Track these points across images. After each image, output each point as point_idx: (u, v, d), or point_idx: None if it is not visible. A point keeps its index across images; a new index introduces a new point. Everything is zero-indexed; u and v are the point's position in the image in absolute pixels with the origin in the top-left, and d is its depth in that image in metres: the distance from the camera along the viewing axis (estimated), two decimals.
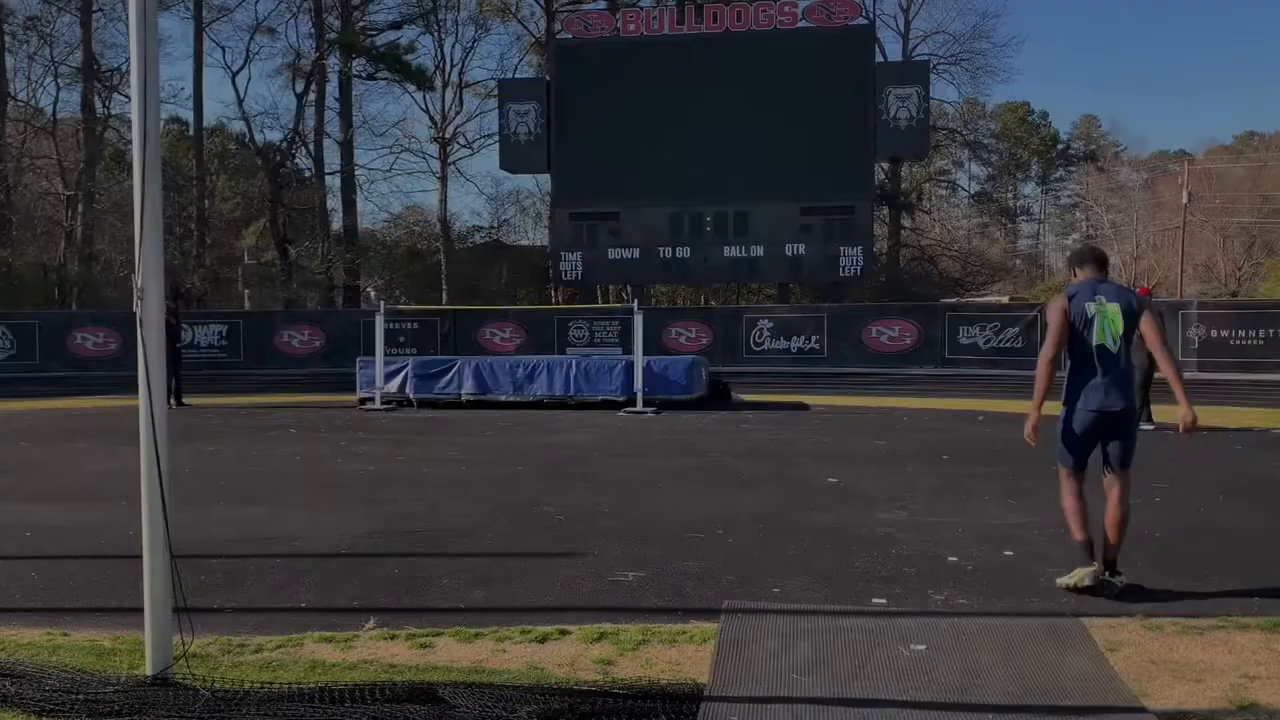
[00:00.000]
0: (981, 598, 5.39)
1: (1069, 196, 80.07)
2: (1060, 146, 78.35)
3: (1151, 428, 13.16)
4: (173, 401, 16.86)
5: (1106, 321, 5.34)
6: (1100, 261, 5.65)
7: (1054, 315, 5.46)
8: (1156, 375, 13.50)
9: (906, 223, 49.28)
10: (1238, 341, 23.96)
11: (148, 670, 4.17)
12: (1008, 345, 25.86)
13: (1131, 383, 5.50)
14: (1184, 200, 48.11)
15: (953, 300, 40.04)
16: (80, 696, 3.91)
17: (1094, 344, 5.35)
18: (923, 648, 4.53)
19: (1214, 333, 24.14)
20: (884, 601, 5.34)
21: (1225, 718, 3.80)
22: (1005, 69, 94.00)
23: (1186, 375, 21.70)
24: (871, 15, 30.40)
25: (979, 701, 3.93)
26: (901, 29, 48.77)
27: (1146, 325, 5.43)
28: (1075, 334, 5.40)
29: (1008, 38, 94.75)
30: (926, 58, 44.63)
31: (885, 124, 29.29)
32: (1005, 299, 39.11)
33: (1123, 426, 5.50)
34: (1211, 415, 14.93)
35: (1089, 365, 5.39)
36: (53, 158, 39.95)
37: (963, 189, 70.64)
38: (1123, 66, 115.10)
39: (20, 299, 34.70)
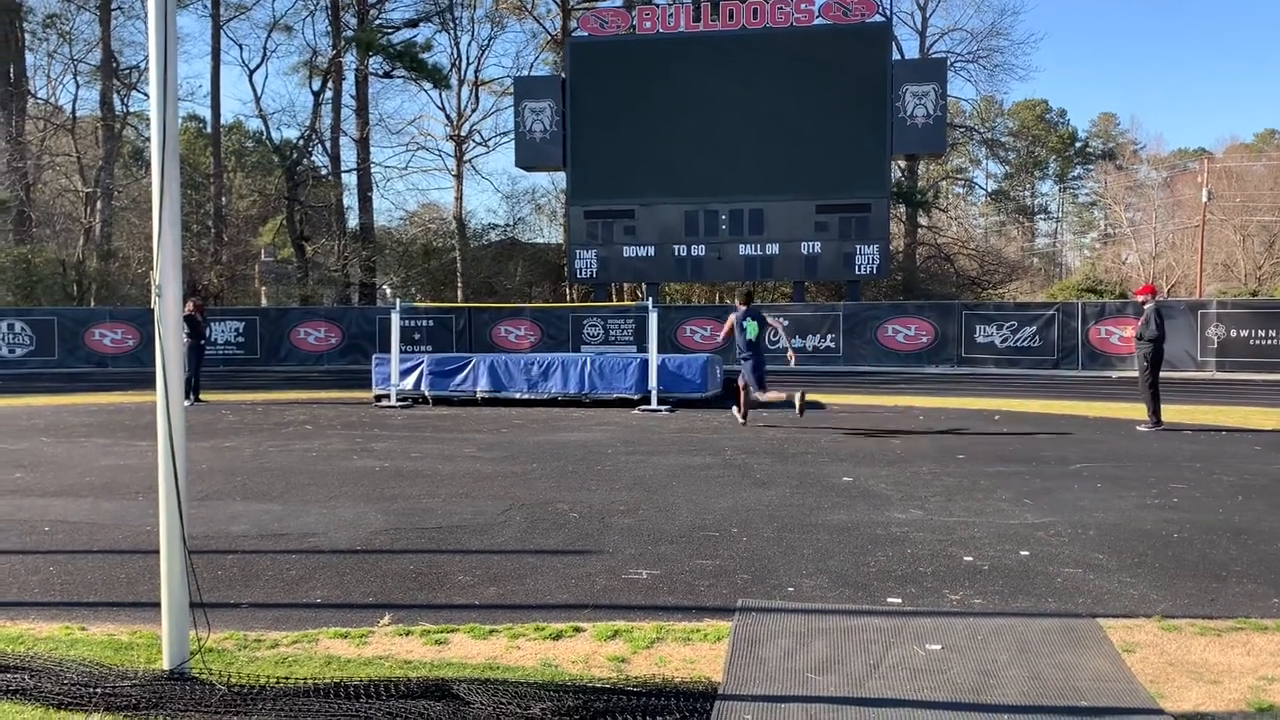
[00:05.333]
0: (997, 597, 5.37)
1: (1087, 195, 79.64)
2: (1078, 144, 77.93)
3: (1162, 427, 13.05)
4: (191, 397, 16.96)
5: (750, 326, 13.09)
6: (748, 298, 13.52)
7: (730, 321, 13.31)
8: (1162, 375, 13.49)
9: (923, 221, 49.05)
10: (1257, 341, 23.78)
11: (165, 665, 4.19)
12: (1025, 344, 25.76)
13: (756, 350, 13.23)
14: (1203, 199, 47.73)
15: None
16: (98, 690, 3.94)
17: (749, 337, 13.10)
18: (938, 647, 4.52)
19: (1233, 332, 23.97)
20: (899, 601, 5.32)
21: None
22: (1023, 66, 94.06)
23: (1205, 375, 21.66)
24: (888, 12, 30.23)
25: (994, 702, 3.92)
26: (918, 26, 48.64)
27: (768, 320, 13.60)
28: (740, 330, 13.14)
29: (1026, 35, 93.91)
30: (944, 55, 44.49)
31: (902, 121, 29.20)
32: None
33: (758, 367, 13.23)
34: (1230, 415, 14.83)
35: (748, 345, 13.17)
36: (72, 155, 40.23)
37: (980, 187, 70.35)
38: (1142, 64, 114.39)
39: (39, 295, 34.97)
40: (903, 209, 45.74)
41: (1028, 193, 76.24)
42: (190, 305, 17.29)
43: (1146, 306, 13.54)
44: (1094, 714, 3.81)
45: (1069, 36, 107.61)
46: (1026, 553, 6.32)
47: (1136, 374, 14.00)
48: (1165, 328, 13.53)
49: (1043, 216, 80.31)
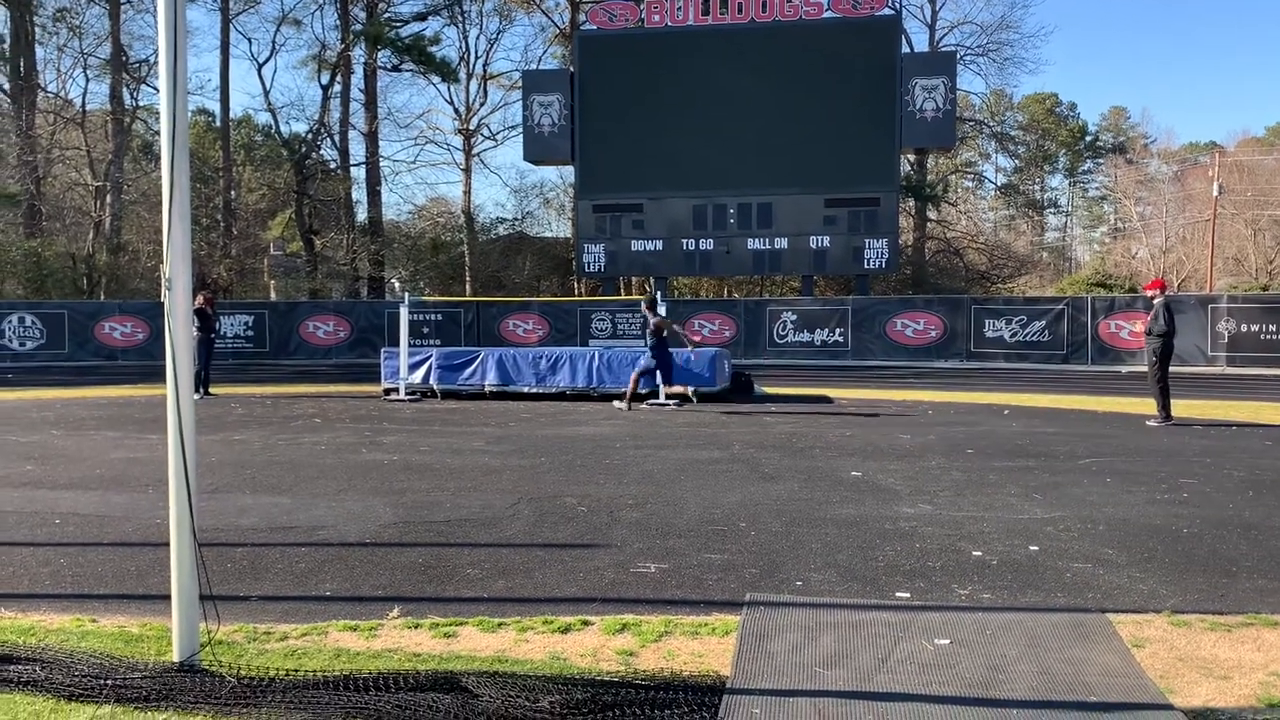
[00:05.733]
0: (1006, 592, 5.36)
1: (1097, 189, 79.31)
2: (1088, 138, 77.60)
3: (1171, 422, 13.00)
4: (200, 390, 17.01)
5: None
6: (654, 303, 15.82)
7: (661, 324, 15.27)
8: (1172, 370, 13.44)
9: (932, 215, 48.89)
10: (1268, 336, 23.69)
11: (175, 657, 4.21)
12: (1034, 339, 25.69)
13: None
14: (1214, 193, 47.48)
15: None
16: (108, 682, 3.96)
17: (664, 335, 15.26)
18: (946, 642, 4.51)
19: (1244, 327, 23.88)
20: (908, 595, 5.31)
21: (1253, 716, 3.76)
22: (1033, 60, 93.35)
23: (1215, 370, 21.56)
24: (898, 5, 30.14)
25: (1003, 697, 3.91)
26: (928, 19, 48.41)
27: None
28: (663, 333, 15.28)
29: (1036, 28, 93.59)
30: (953, 48, 44.31)
31: (911, 115, 29.11)
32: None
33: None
34: (1240, 410, 14.78)
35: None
36: (82, 149, 40.33)
37: (989, 181, 70.13)
38: (1153, 57, 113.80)
39: (50, 289, 35.10)
40: (912, 203, 45.62)
41: (1037, 187, 76.02)
42: (201, 299, 17.33)
43: (1156, 301, 13.51)
44: (1103, 709, 3.80)
45: (1079, 30, 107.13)
46: (1035, 548, 6.31)
47: (1146, 369, 13.96)
48: (1175, 323, 13.48)
49: (1052, 211, 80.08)
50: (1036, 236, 73.89)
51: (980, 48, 47.93)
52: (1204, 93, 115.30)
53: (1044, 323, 25.46)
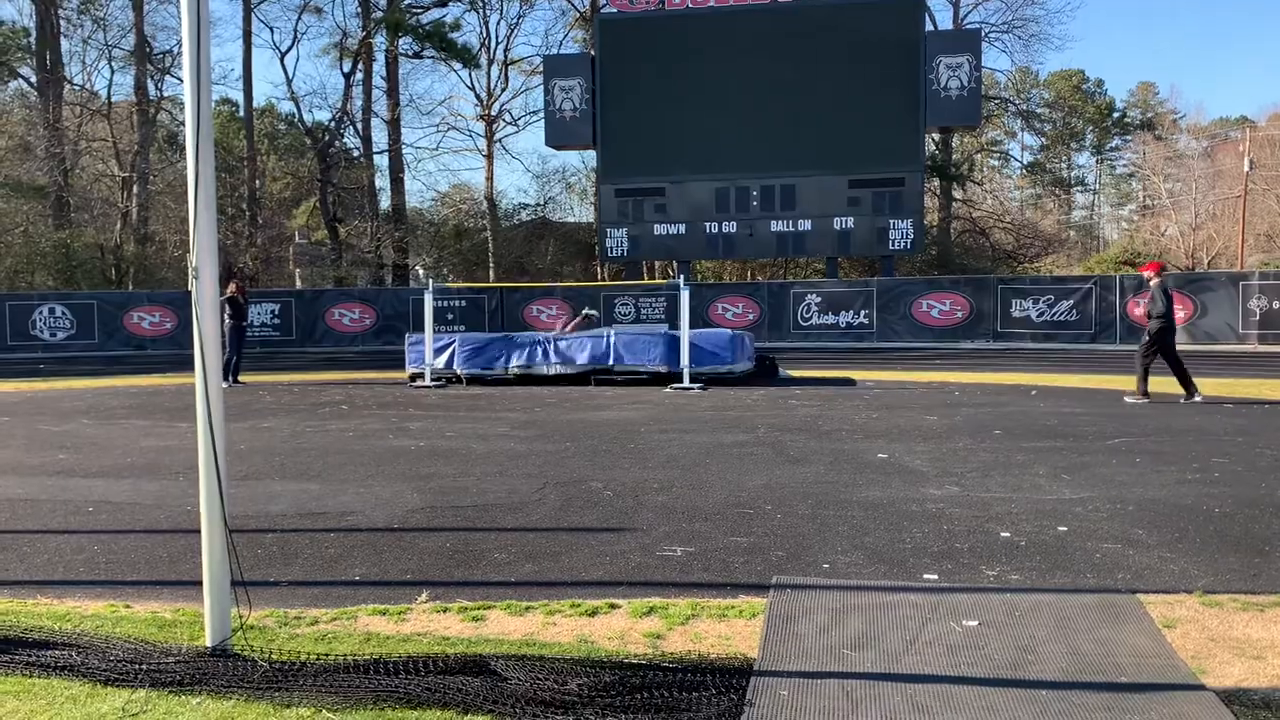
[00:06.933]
0: (1035, 573, 5.33)
1: (1125, 166, 78.21)
2: (1116, 115, 76.51)
3: (1200, 399, 12.89)
4: (230, 379, 17.15)
5: None
6: None
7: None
8: (1204, 349, 13.28)
9: (958, 194, 48.45)
10: None
11: (207, 642, 4.26)
12: (1062, 318, 25.46)
13: None
14: (1245, 168, 46.76)
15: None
16: (143, 667, 4.01)
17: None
18: (975, 624, 4.50)
19: (1275, 304, 23.57)
20: (935, 577, 5.30)
21: None
22: (1059, 36, 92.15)
23: (1246, 348, 21.40)
24: None
25: (1032, 678, 3.89)
26: None
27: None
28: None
29: (1062, 3, 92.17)
30: (978, 25, 43.81)
31: (936, 94, 28.84)
32: None
33: None
34: (1273, 389, 14.59)
35: None
36: (108, 140, 40.68)
37: (1015, 159, 69.36)
38: (1182, 31, 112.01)
39: (79, 279, 35.48)
40: (937, 183, 45.23)
41: (1064, 165, 75.05)
42: (233, 287, 17.46)
43: (1152, 284, 13.46)
44: (1134, 690, 3.78)
45: (1106, 5, 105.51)
46: (1064, 528, 6.26)
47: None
48: (1171, 305, 13.36)
49: (1079, 189, 79.08)
50: (1063, 215, 73.03)
51: (1005, 24, 47.34)
52: (1234, 67, 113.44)
53: (1071, 302, 25.22)
